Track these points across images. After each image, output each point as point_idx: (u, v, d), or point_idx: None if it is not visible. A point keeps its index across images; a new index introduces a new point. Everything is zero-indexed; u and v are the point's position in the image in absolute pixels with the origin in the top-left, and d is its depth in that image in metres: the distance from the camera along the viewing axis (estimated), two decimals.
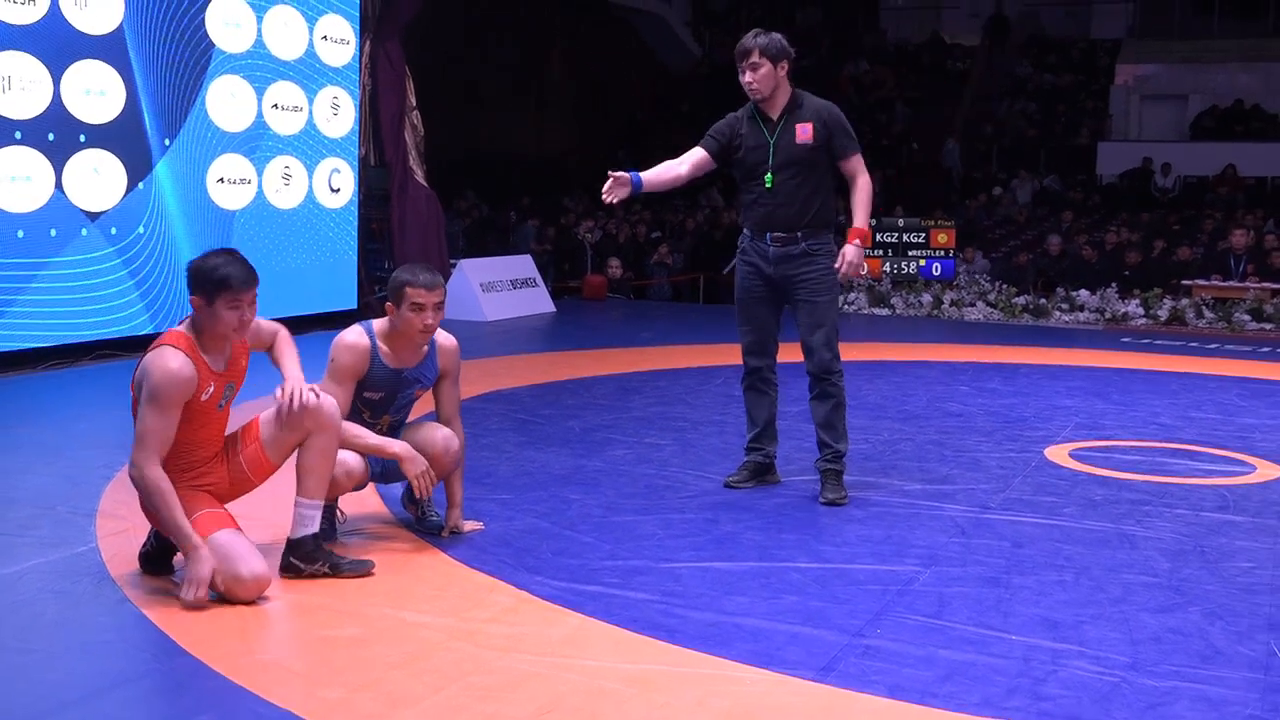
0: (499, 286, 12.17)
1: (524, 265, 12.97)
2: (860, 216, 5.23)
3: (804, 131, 5.20)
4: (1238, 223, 15.24)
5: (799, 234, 5.23)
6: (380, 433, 4.55)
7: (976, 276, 13.97)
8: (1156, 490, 5.51)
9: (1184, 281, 13.15)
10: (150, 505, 3.84)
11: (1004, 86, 23.86)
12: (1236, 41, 22.40)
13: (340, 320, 10.69)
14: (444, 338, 4.68)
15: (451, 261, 12.34)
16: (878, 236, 13.78)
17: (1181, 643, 3.67)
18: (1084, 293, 12.93)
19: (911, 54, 25.28)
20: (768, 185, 5.21)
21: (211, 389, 3.96)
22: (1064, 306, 12.86)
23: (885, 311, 13.24)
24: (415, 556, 4.36)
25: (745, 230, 5.36)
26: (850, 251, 5.18)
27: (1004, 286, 13.41)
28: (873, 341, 10.75)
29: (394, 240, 11.85)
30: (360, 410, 4.56)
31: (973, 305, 13.08)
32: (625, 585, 4.06)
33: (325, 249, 10.70)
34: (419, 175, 11.87)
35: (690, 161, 5.36)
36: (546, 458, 5.86)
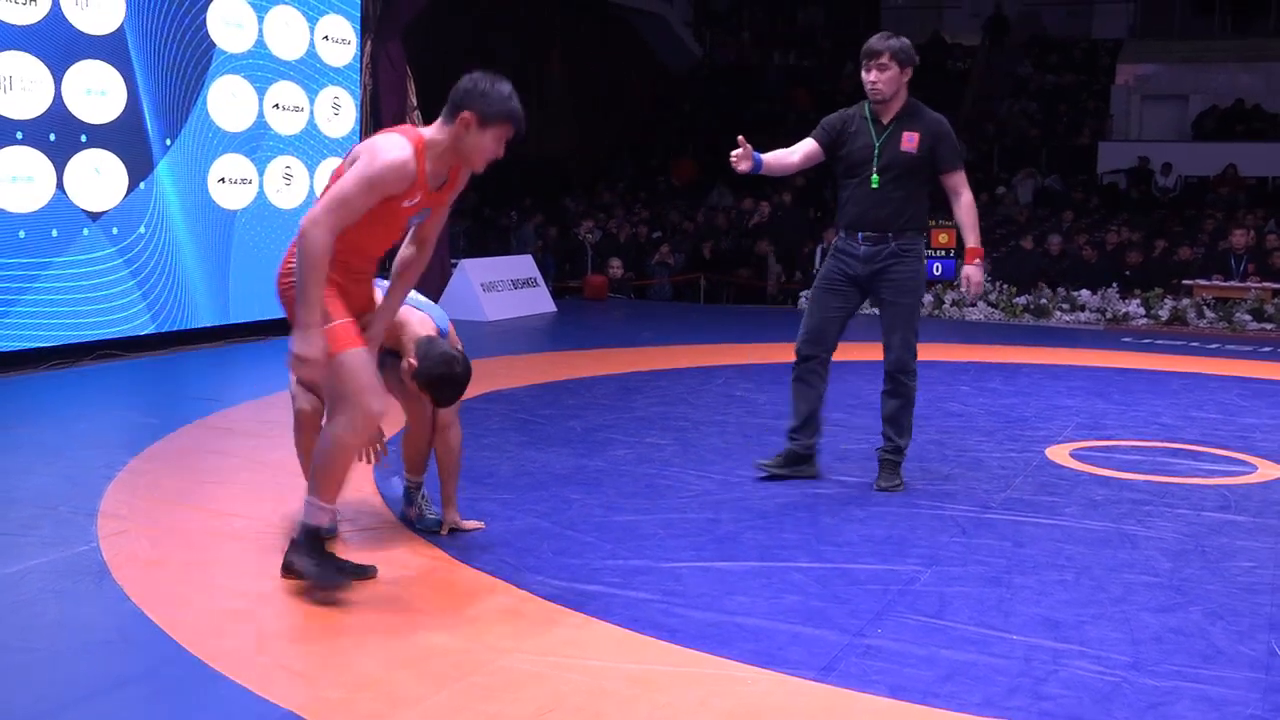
0: (500, 286, 12.17)
1: (525, 265, 12.99)
2: (972, 236, 5.38)
3: (909, 140, 5.33)
4: (1238, 223, 15.23)
5: (890, 235, 5.36)
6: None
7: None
8: (1158, 490, 5.51)
9: (1185, 281, 13.15)
10: (301, 268, 3.64)
11: (1005, 86, 23.84)
12: (1237, 41, 22.40)
13: None
14: None
15: (452, 261, 12.34)
16: None
17: (1183, 642, 3.67)
18: (1085, 292, 12.93)
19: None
20: (874, 185, 5.35)
21: (416, 200, 3.82)
22: (1065, 306, 12.86)
23: None
24: (416, 556, 4.36)
25: (839, 229, 5.51)
26: (973, 272, 5.41)
27: (1005, 286, 13.40)
28: (874, 342, 10.72)
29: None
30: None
31: (974, 305, 13.07)
32: (626, 585, 4.06)
33: None
34: None
35: (801, 151, 5.49)
36: (547, 457, 5.86)
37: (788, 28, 27.18)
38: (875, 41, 5.38)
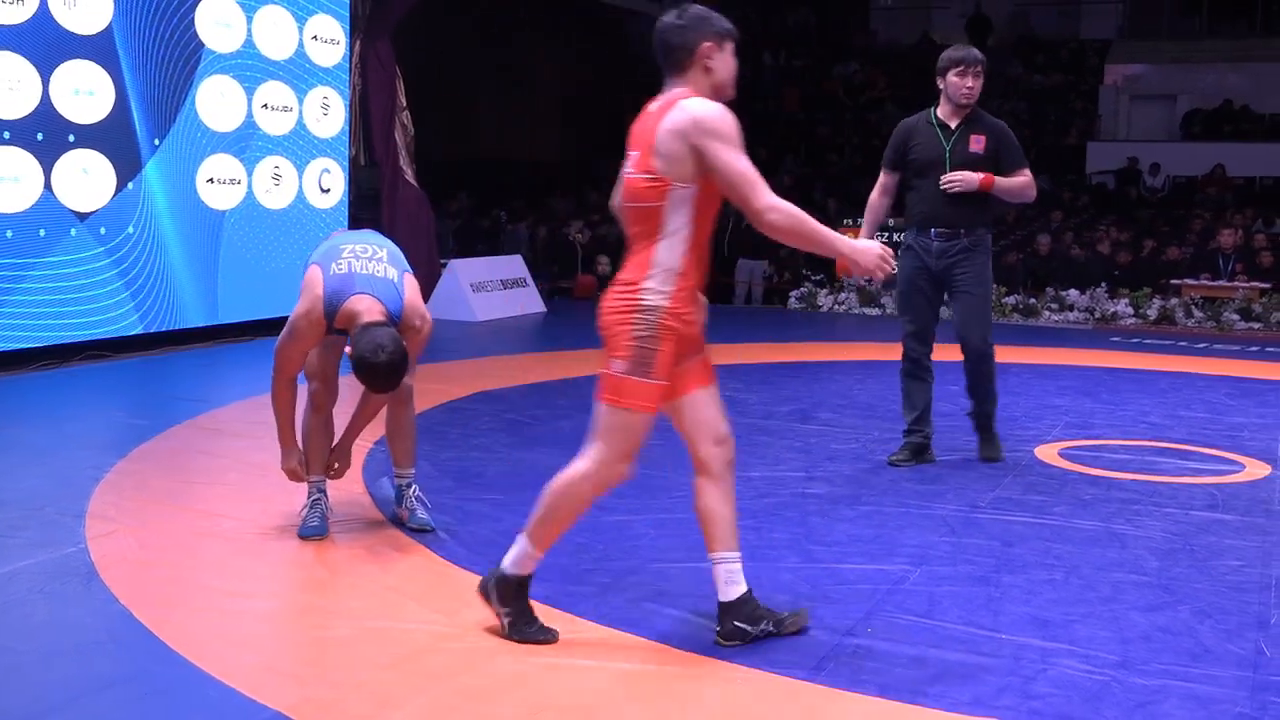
0: (489, 286, 12.16)
1: (514, 265, 12.97)
2: (1002, 180, 5.74)
3: (977, 143, 5.77)
4: (1226, 222, 15.28)
5: (961, 231, 5.78)
6: None
7: None
8: (1146, 489, 5.53)
9: (1173, 281, 13.18)
10: (801, 233, 3.33)
11: (994, 87, 23.88)
12: (1225, 42, 22.43)
13: None
14: None
15: (442, 261, 12.32)
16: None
17: (1171, 641, 3.68)
18: (1074, 292, 12.95)
19: (902, 54, 25.28)
20: (940, 184, 5.73)
21: None
22: (1054, 306, 12.88)
23: (876, 311, 13.25)
24: (405, 557, 4.36)
25: (909, 227, 5.91)
26: (967, 173, 5.68)
27: (994, 286, 13.42)
28: (864, 341, 10.76)
29: None
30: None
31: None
32: (616, 585, 4.06)
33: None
34: (409, 175, 11.85)
35: (886, 192, 5.94)
36: (537, 458, 5.85)
37: (778, 28, 27.18)
38: (970, 51, 5.84)
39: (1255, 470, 5.96)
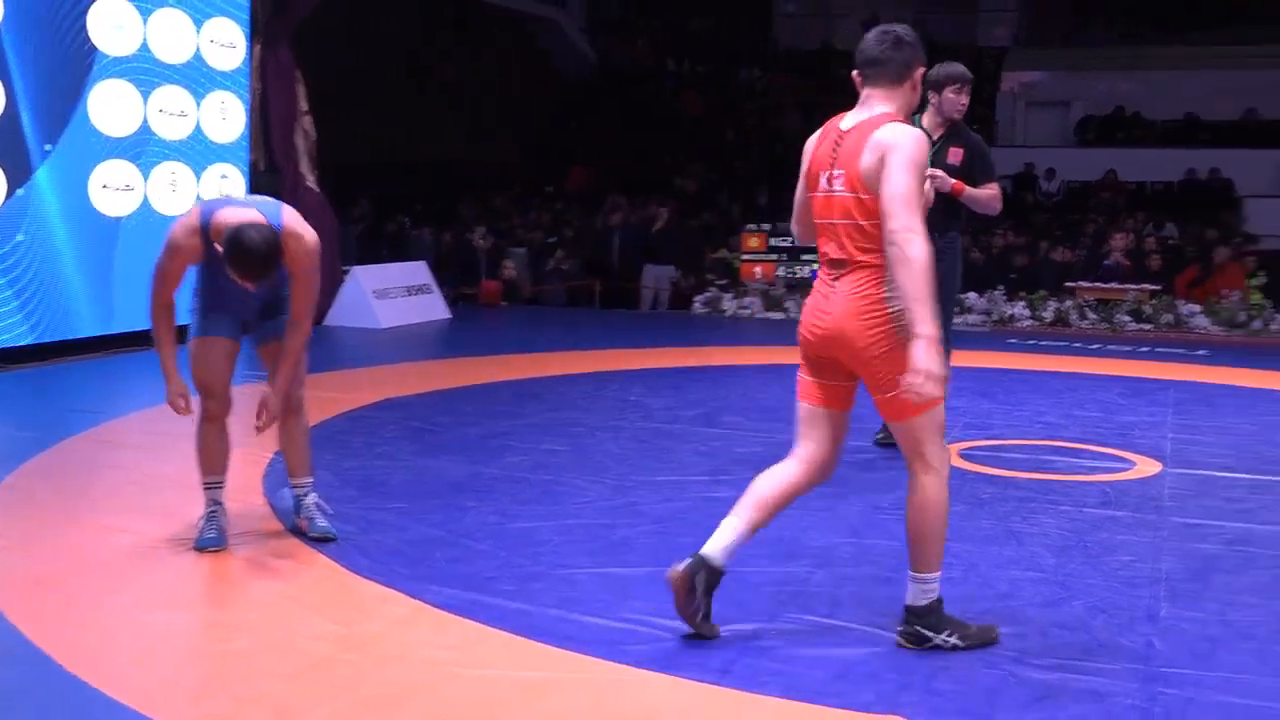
0: (393, 293, 12.02)
1: (418, 271, 12.83)
2: (972, 190, 6.15)
3: (955, 155, 6.18)
4: (1119, 226, 15.64)
5: (935, 233, 5.64)
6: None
7: None
8: (1042, 488, 5.64)
9: (1067, 284, 13.44)
10: (914, 283, 3.36)
11: None
12: (1116, 50, 22.97)
13: None
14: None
15: (344, 268, 12.17)
16: (771, 241, 13.89)
17: (1067, 636, 3.76)
18: (972, 295, 13.15)
19: (804, 61, 25.55)
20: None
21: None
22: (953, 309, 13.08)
23: (780, 315, 13.35)
24: (307, 567, 4.30)
25: None
26: (943, 173, 6.02)
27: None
28: (768, 345, 10.83)
29: None
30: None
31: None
32: (521, 592, 4.05)
33: None
34: (311, 180, 11.69)
35: None
36: (442, 465, 5.82)
37: (680, 35, 27.32)
38: (963, 69, 6.19)
39: (1146, 468, 6.11)
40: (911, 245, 3.38)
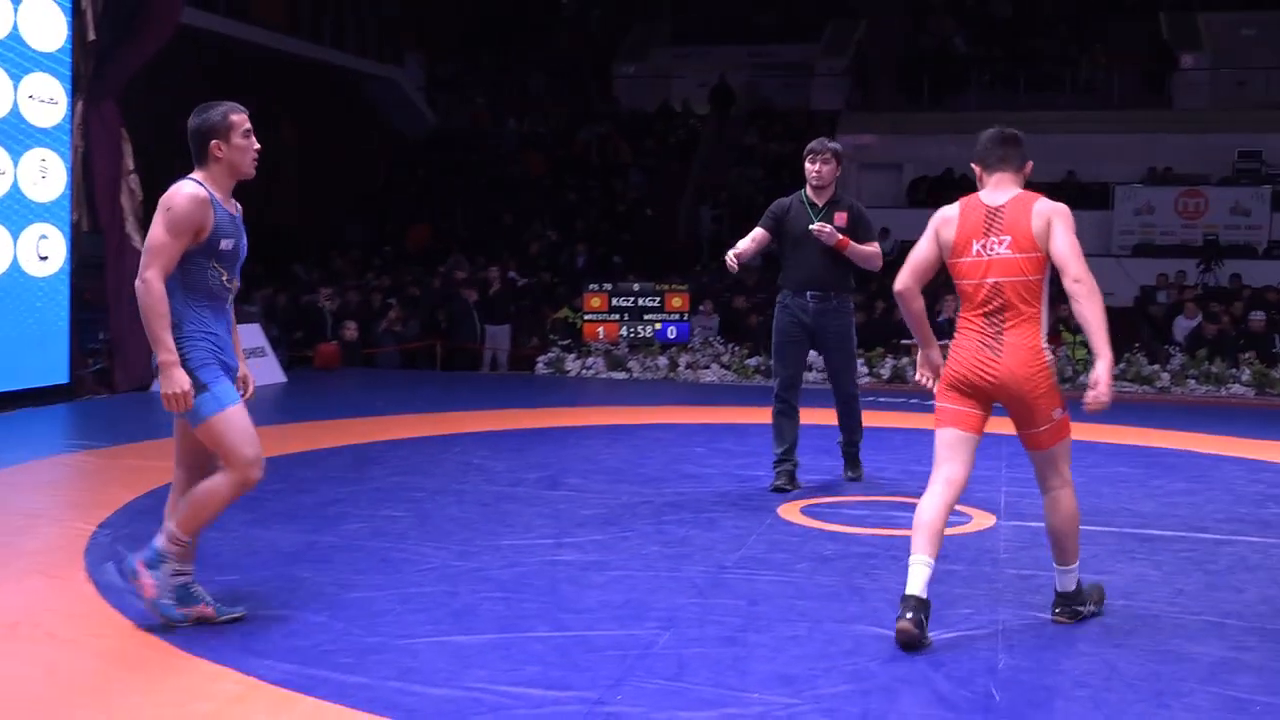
0: None
1: (252, 335, 12.48)
2: (855, 246, 6.82)
3: (840, 218, 6.85)
4: (950, 289, 16.06)
5: (831, 293, 6.86)
6: (230, 299, 4.39)
7: (710, 338, 14.29)
8: (884, 543, 5.70)
9: (903, 341, 13.74)
10: (1095, 306, 4.28)
11: (732, 154, 24.68)
12: (943, 114, 23.85)
13: (51, 396, 10.08)
14: None
15: None
16: (614, 301, 13.94)
17: (909, 691, 3.79)
18: (812, 353, 13.36)
19: (644, 121, 25.87)
20: (813, 253, 6.80)
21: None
22: None
23: (623, 375, 13.39)
24: (131, 643, 4.10)
25: (785, 289, 6.95)
26: (831, 227, 6.73)
27: (737, 348, 13.75)
28: (610, 405, 10.83)
29: (109, 310, 11.20)
30: (217, 271, 4.29)
31: (707, 367, 13.36)
32: (360, 665, 3.92)
33: (33, 320, 10.05)
34: (136, 242, 11.31)
35: (754, 239, 6.88)
36: (275, 535, 5.63)
37: (519, 95, 27.45)
38: (821, 142, 6.98)
39: (981, 521, 6.24)
40: (1094, 284, 4.27)
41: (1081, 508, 6.37)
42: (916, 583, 4.24)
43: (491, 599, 4.69)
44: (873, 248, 6.92)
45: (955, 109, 23.98)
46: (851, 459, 7.37)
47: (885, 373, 13.05)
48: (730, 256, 6.69)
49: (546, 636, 4.24)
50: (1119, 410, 10.36)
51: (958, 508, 6.41)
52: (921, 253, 4.55)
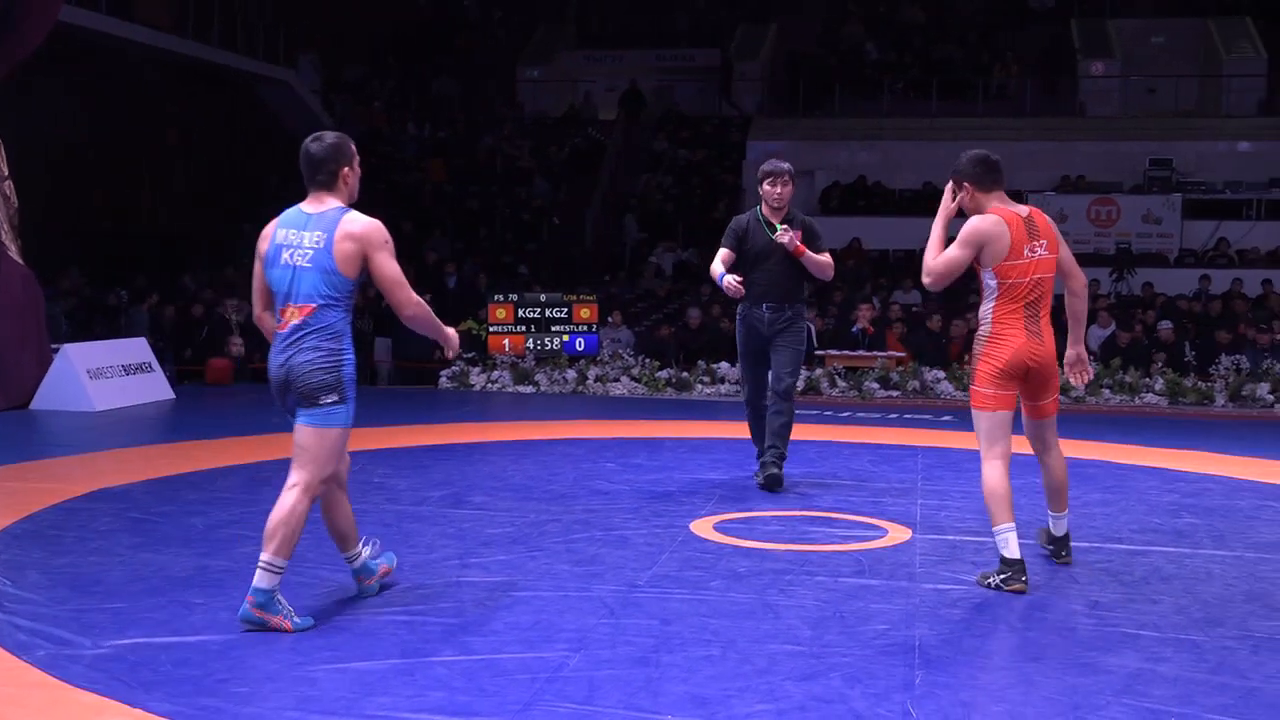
0: (109, 373, 11.24)
1: (138, 349, 12.07)
2: (810, 254, 7.31)
3: (795, 235, 7.31)
4: (864, 296, 16.12)
5: (786, 304, 7.36)
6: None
7: (620, 350, 14.17)
8: (797, 559, 5.61)
9: (817, 352, 13.74)
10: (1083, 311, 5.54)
11: (642, 161, 24.60)
12: (856, 121, 24.01)
13: None
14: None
15: (54, 346, 11.35)
16: (520, 312, 13.77)
17: (825, 709, 3.72)
18: (724, 365, 13.31)
19: (550, 127, 25.68)
20: (774, 269, 7.31)
21: None
22: (705, 379, 13.20)
23: (530, 389, 13.22)
24: (11, 677, 3.88)
25: (744, 303, 7.39)
26: (793, 233, 7.25)
27: (647, 361, 13.65)
28: (517, 420, 10.67)
29: None
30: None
31: (617, 380, 13.25)
32: (255, 694, 3.77)
33: None
34: (13, 252, 10.90)
35: (724, 260, 7.36)
36: (165, 560, 5.39)
37: (421, 98, 27.10)
38: (779, 164, 7.45)
39: (897, 534, 6.18)
40: (1083, 283, 5.44)
41: None
42: (1016, 547, 5.09)
43: (394, 623, 4.53)
44: (825, 257, 7.41)
45: (867, 116, 24.16)
46: (771, 465, 7.33)
47: (799, 384, 13.01)
48: (732, 282, 7.12)
49: (452, 660, 4.11)
50: None
51: (873, 521, 6.43)
52: (957, 259, 5.19)
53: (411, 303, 4.59)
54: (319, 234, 4.50)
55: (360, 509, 6.52)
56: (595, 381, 13.23)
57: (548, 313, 13.98)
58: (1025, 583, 5.03)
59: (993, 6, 27.48)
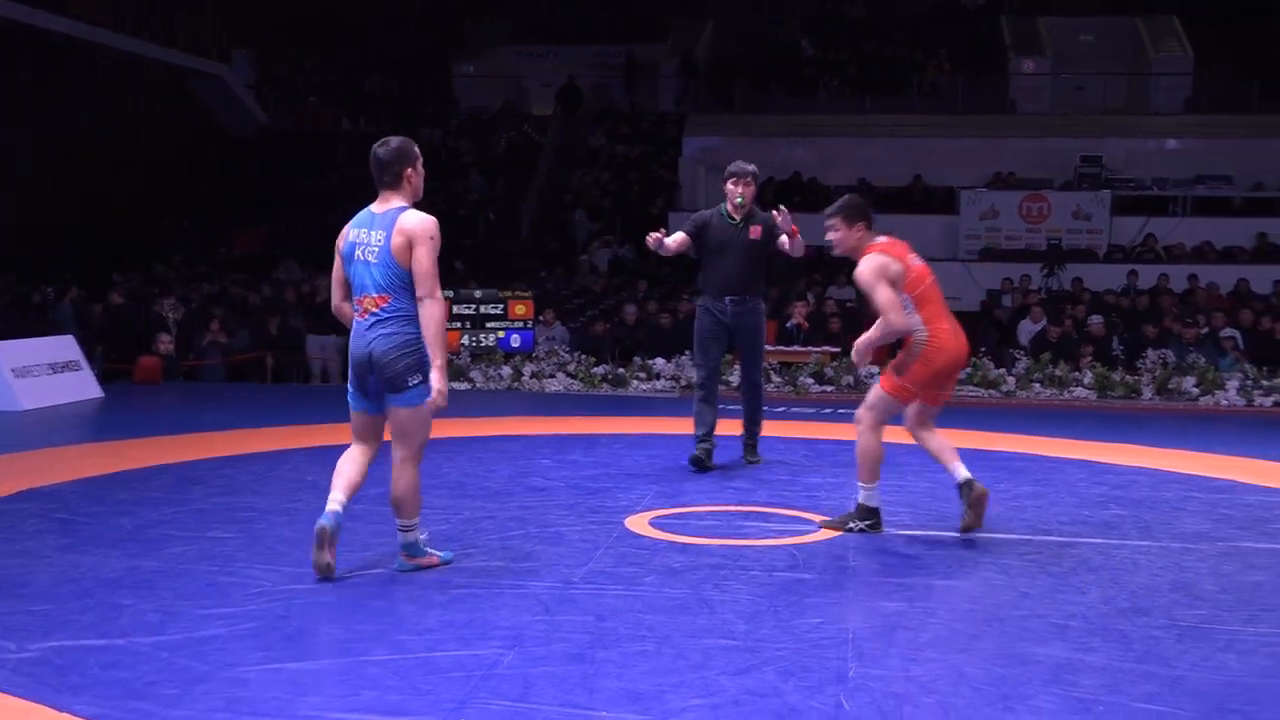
0: (36, 371, 11.04)
1: (65, 347, 11.87)
2: (797, 239, 7.79)
3: (755, 231, 7.84)
4: (799, 293, 16.20)
5: (746, 296, 7.83)
6: None
7: (556, 347, 14.15)
8: (732, 554, 5.63)
9: None
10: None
11: (579, 157, 24.55)
12: (791, 117, 24.11)
13: None
14: None
15: None
16: (455, 309, 13.70)
17: (759, 703, 3.74)
18: (660, 360, 13.33)
19: (486, 123, 25.54)
20: (735, 262, 7.77)
21: None
22: (641, 375, 13.20)
23: (465, 386, 13.16)
24: None
25: (706, 294, 7.91)
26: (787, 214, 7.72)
27: (583, 357, 13.63)
28: (453, 418, 10.59)
29: None
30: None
31: (553, 376, 13.22)
32: (185, 696, 3.72)
33: None
34: None
35: (676, 240, 7.83)
36: (94, 561, 5.31)
37: (355, 94, 26.86)
38: (743, 166, 7.94)
39: (830, 529, 6.21)
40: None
41: (930, 514, 6.56)
42: (879, 500, 6.16)
43: (327, 622, 4.51)
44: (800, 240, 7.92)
45: (803, 112, 24.26)
46: (750, 447, 8.20)
47: (734, 380, 13.06)
48: (655, 236, 7.61)
49: (385, 660, 4.08)
50: (966, 414, 10.60)
51: (808, 516, 6.47)
52: (893, 295, 5.79)
53: (431, 295, 4.92)
54: (381, 232, 4.99)
55: (292, 507, 6.54)
56: (531, 378, 13.20)
57: (483, 309, 13.94)
58: (881, 527, 6.03)
59: (926, 4, 27.71)
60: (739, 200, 7.83)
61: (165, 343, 13.69)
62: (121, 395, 12.02)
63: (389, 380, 4.98)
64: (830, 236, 6.08)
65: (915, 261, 5.92)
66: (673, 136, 24.27)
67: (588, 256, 20.62)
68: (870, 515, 6.04)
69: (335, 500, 5.02)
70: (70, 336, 12.30)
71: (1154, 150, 23.04)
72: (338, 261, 5.16)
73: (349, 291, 5.12)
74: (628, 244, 20.88)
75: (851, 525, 6.03)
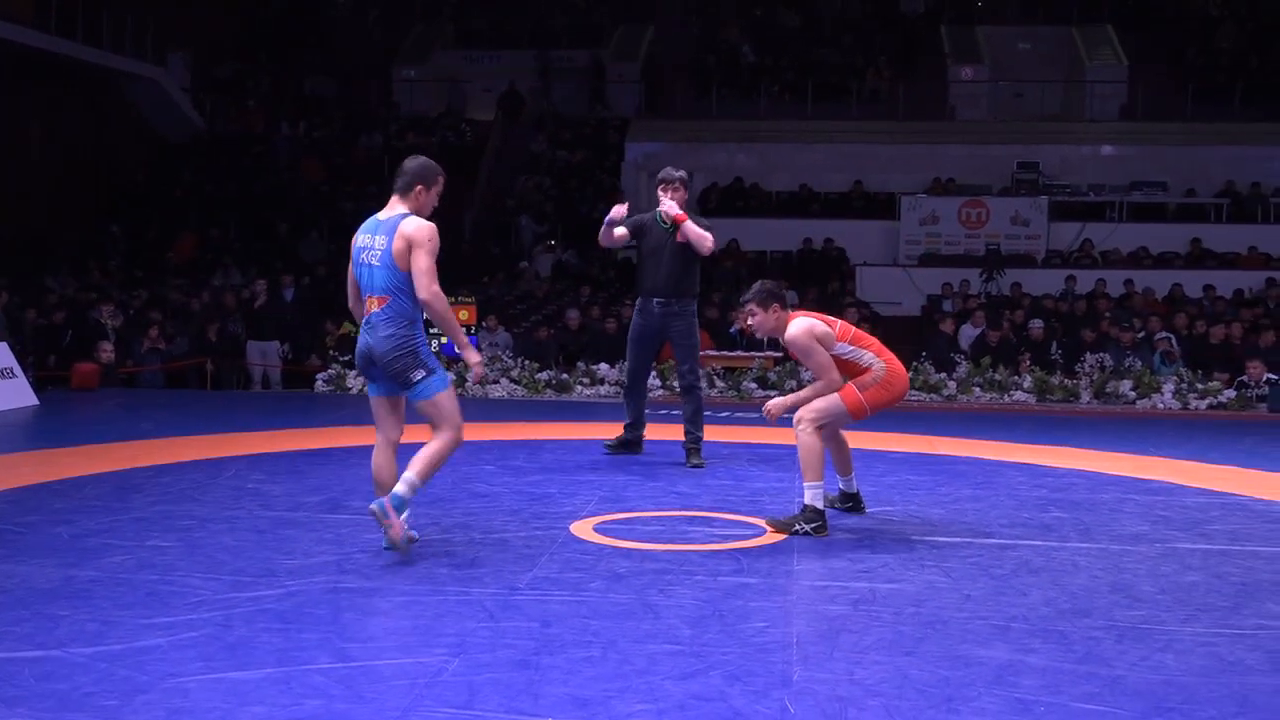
0: None
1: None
2: (688, 224, 8.08)
3: (685, 236, 8.10)
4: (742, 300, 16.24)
5: (674, 299, 8.21)
6: None
7: (499, 353, 14.10)
8: (677, 559, 5.63)
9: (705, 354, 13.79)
10: None
11: (520, 162, 24.48)
12: (733, 123, 24.19)
13: None
14: None
15: None
16: None
17: (704, 707, 3.73)
18: (604, 366, 13.32)
19: (426, 127, 25.40)
20: (665, 265, 8.15)
21: None
22: (585, 380, 13.19)
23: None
24: None
25: (640, 296, 8.34)
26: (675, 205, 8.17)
27: (526, 362, 13.59)
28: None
29: None
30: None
31: (496, 382, 13.18)
32: (125, 708, 3.66)
33: None
34: None
35: (620, 232, 8.28)
36: (28, 571, 5.20)
37: (295, 97, 26.61)
38: (672, 172, 8.28)
39: (775, 533, 6.23)
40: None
41: (872, 517, 6.61)
42: (824, 500, 6.32)
43: (269, 630, 4.44)
44: (705, 230, 8.10)
45: (744, 118, 24.35)
46: (692, 450, 8.30)
47: (678, 385, 13.07)
48: (619, 208, 8.19)
49: (329, 668, 4.03)
50: (908, 418, 10.68)
51: (752, 520, 6.49)
52: (827, 357, 6.17)
53: (428, 290, 5.30)
54: (384, 237, 5.37)
55: (233, 515, 6.46)
56: (474, 384, 13.14)
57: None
58: (827, 529, 6.14)
59: (866, 11, 27.92)
60: (665, 206, 8.12)
61: (106, 351, 13.50)
62: (57, 402, 11.83)
63: (394, 378, 5.43)
64: (750, 322, 6.44)
65: (829, 318, 6.30)
66: (614, 142, 24.28)
67: (529, 263, 20.57)
68: (816, 517, 6.13)
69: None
70: (3, 343, 12.09)
71: (1090, 157, 23.37)
72: (350, 265, 5.58)
73: (359, 292, 5.51)
74: (570, 249, 20.85)
75: (798, 528, 6.11)
